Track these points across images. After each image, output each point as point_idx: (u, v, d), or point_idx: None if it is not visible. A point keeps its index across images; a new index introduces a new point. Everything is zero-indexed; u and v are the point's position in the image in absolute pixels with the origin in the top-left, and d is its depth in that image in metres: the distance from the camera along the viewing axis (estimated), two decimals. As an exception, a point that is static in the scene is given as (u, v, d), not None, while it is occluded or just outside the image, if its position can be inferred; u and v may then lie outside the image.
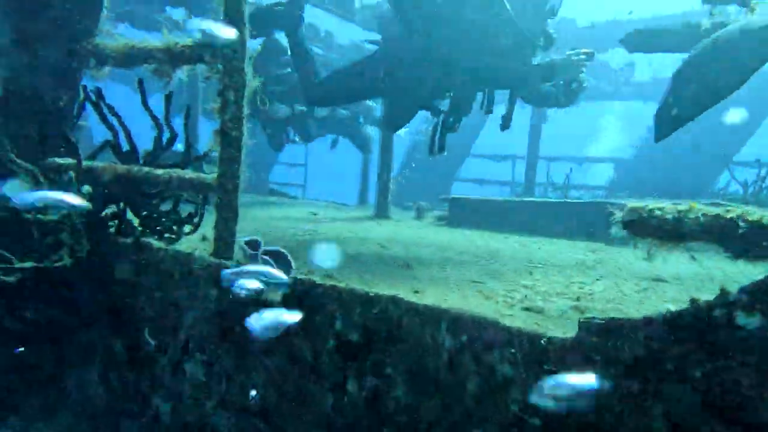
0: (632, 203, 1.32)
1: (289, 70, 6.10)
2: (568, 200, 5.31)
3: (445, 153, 3.83)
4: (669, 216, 1.22)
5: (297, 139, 6.72)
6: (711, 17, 1.35)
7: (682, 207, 1.22)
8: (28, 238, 1.80)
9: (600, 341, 1.27)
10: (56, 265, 1.74)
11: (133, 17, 7.59)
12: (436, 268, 2.61)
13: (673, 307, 1.18)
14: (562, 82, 3.20)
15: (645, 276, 2.63)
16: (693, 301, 1.10)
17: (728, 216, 1.11)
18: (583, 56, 3.07)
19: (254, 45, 6.76)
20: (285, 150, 7.12)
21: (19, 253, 1.80)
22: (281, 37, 6.37)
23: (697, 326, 1.09)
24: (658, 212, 1.25)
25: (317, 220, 5.18)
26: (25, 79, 2.20)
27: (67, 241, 1.81)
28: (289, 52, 6.12)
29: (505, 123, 3.40)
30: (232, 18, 2.03)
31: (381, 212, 6.05)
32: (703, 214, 1.16)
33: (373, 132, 7.67)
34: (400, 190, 11.59)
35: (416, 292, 2.05)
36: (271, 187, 10.17)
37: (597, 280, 2.46)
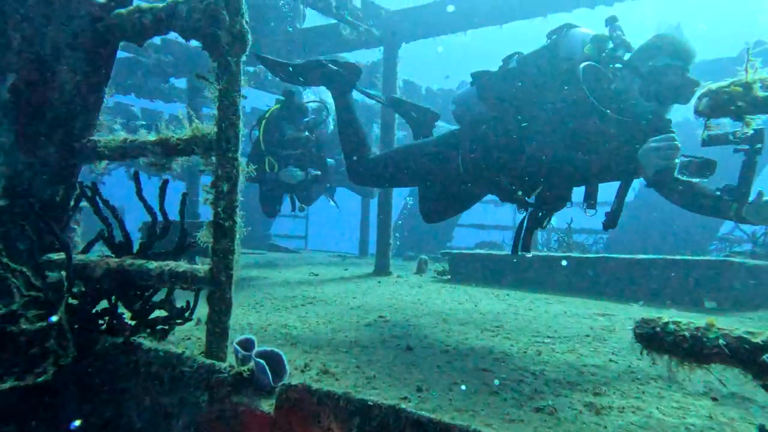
0: (645, 315, 1.24)
1: (307, 133, 5.71)
2: (569, 254, 5.23)
3: (530, 254, 3.21)
4: (686, 334, 1.13)
5: (303, 207, 6.32)
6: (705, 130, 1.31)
7: (700, 324, 1.14)
8: (9, 351, 1.70)
9: (622, 473, 1.15)
10: (38, 380, 1.64)
11: (139, 89, 7.81)
12: (439, 349, 2.50)
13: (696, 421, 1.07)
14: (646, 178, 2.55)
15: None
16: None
17: (754, 341, 1.02)
18: (674, 145, 2.35)
19: (270, 102, 6.55)
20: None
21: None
22: (299, 95, 6.06)
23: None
24: (673, 327, 1.17)
25: (317, 282, 5.08)
26: (24, 179, 2.19)
27: (52, 348, 1.72)
28: (308, 114, 5.86)
29: (610, 221, 2.74)
30: (226, 106, 2.01)
31: (381, 269, 5.98)
32: (724, 335, 1.08)
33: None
34: (402, 239, 11.55)
35: (419, 390, 1.93)
36: (271, 242, 10.14)
37: (610, 360, 2.35)
